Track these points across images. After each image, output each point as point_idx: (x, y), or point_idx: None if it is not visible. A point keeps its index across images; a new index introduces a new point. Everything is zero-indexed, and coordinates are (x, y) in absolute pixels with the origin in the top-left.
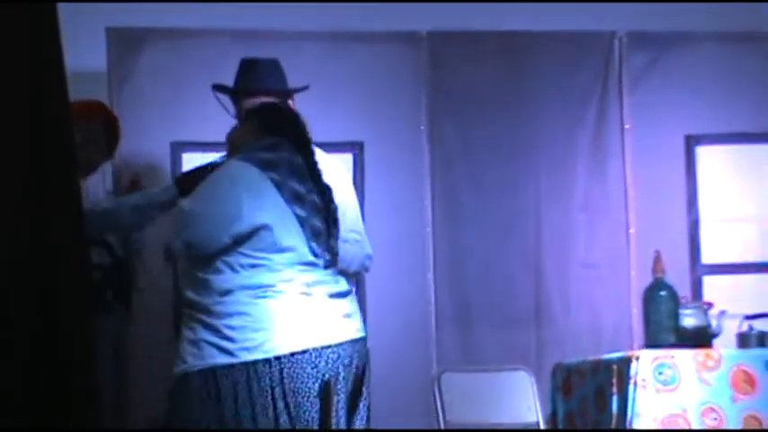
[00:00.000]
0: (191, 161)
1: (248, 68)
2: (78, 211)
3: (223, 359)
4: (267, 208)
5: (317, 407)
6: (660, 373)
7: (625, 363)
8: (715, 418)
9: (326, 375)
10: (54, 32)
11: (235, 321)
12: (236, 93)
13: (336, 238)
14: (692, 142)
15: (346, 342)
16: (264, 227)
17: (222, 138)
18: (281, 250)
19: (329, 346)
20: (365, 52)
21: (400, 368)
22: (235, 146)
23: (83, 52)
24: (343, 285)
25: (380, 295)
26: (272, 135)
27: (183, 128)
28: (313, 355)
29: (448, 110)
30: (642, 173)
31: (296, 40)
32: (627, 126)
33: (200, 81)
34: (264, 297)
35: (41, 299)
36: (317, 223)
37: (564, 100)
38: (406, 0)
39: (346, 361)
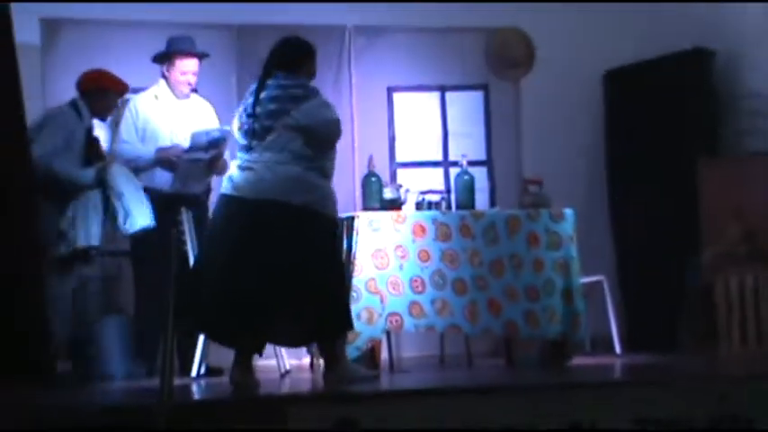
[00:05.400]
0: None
1: (181, 39)
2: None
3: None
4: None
5: None
6: (371, 225)
7: (351, 220)
8: (401, 254)
9: None
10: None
11: None
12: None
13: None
14: (391, 91)
15: None
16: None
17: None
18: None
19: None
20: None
21: None
22: None
23: (18, 30)
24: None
25: None
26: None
27: None
28: None
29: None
30: (363, 111)
31: (152, 28)
32: (354, 81)
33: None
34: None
35: None
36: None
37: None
38: (218, 0)
39: None
